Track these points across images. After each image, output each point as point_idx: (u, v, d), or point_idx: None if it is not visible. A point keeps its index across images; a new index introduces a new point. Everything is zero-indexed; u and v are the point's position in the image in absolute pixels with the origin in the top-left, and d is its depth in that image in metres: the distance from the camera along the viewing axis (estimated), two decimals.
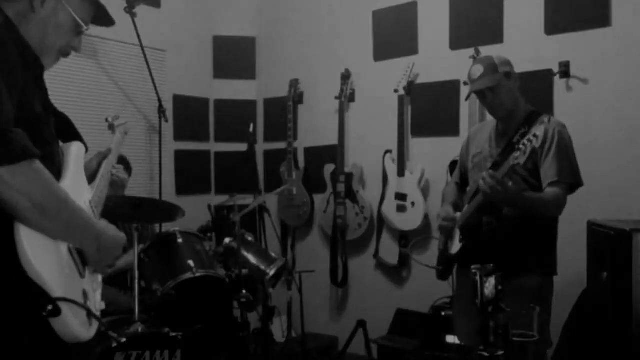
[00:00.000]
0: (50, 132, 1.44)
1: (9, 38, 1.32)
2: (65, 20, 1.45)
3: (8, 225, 1.24)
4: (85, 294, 1.40)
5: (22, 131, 1.24)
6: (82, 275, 1.42)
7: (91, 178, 1.66)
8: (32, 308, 1.23)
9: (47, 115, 1.43)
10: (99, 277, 1.54)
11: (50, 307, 1.23)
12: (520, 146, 2.18)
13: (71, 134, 1.64)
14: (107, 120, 2.02)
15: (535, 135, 2.15)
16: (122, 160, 3.25)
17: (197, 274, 3.04)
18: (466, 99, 2.85)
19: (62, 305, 1.25)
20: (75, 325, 1.29)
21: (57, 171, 1.45)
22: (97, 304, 1.49)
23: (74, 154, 1.53)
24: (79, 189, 1.51)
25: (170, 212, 3.15)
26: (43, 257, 1.26)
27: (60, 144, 1.55)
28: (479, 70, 2.49)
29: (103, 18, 1.58)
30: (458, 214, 2.62)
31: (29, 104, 1.34)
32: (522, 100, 2.57)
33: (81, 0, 1.48)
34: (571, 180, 2.42)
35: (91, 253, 1.42)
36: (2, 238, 1.24)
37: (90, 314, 1.35)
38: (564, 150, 2.41)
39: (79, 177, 1.53)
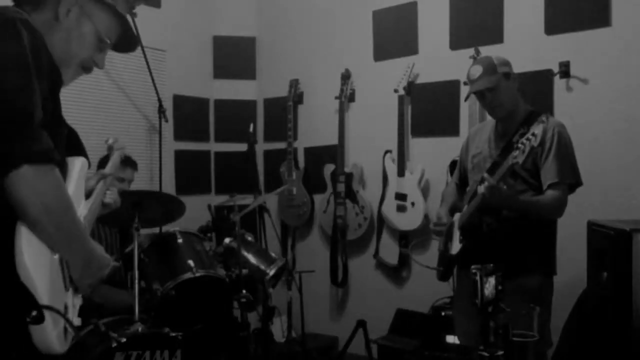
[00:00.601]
0: (62, 145, 1.45)
1: (43, 46, 1.35)
2: (88, 32, 1.47)
3: (9, 227, 1.24)
4: (66, 308, 1.40)
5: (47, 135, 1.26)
6: (66, 289, 1.42)
7: (87, 196, 1.68)
8: (17, 311, 1.24)
9: (60, 128, 1.45)
10: (80, 296, 1.54)
11: (34, 313, 1.23)
12: (519, 145, 2.18)
13: (77, 148, 1.66)
14: (106, 141, 2.02)
15: (533, 134, 2.15)
16: (127, 159, 3.25)
17: (197, 274, 3.04)
18: (465, 100, 2.85)
19: (46, 314, 1.25)
20: (53, 336, 1.29)
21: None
22: (74, 319, 1.49)
23: (77, 169, 1.54)
24: (76, 204, 1.51)
25: (171, 207, 3.15)
26: (37, 264, 1.26)
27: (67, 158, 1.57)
28: (477, 70, 2.49)
29: (126, 41, 1.59)
30: (457, 215, 2.62)
31: (47, 114, 1.36)
32: (521, 100, 2.57)
33: (105, 14, 1.49)
34: (572, 180, 2.43)
35: (78, 267, 1.42)
36: (1, 239, 1.24)
37: (69, 325, 1.35)
38: (564, 150, 2.41)
39: (78, 192, 1.55)
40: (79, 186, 1.55)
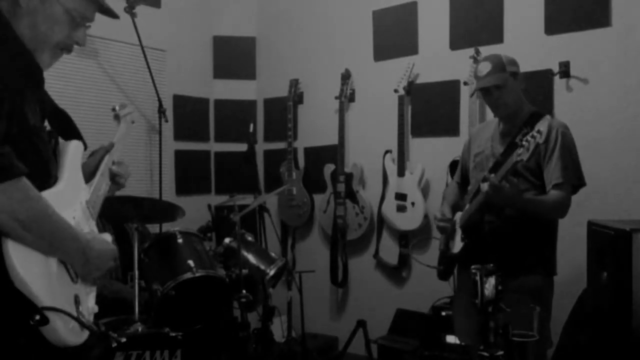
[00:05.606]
0: (44, 144, 1.42)
1: (6, 50, 1.31)
2: (56, 12, 1.40)
3: None
4: (76, 299, 1.40)
5: (8, 148, 1.23)
6: (73, 281, 1.41)
7: (90, 175, 1.61)
8: (20, 318, 1.24)
9: (42, 126, 1.42)
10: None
11: (37, 317, 1.24)
12: (524, 143, 2.18)
13: (70, 131, 1.61)
14: (113, 109, 1.88)
15: (539, 131, 2.16)
16: None
17: (197, 274, 3.04)
18: (471, 95, 2.86)
19: (50, 314, 1.26)
20: (64, 333, 1.30)
21: (54, 178, 1.44)
22: (89, 308, 1.49)
23: (71, 153, 1.51)
24: (74, 192, 1.49)
25: (170, 212, 3.15)
26: (30, 267, 1.26)
27: (60, 141, 1.54)
28: (486, 67, 2.49)
29: (106, 12, 1.53)
30: (458, 214, 2.62)
31: (25, 118, 1.33)
32: (525, 101, 2.58)
33: None
34: (575, 181, 2.43)
35: (77, 266, 1.41)
36: None
37: (78, 322, 1.35)
38: (568, 151, 2.42)
39: (75, 178, 1.50)
40: (73, 171, 1.50)
